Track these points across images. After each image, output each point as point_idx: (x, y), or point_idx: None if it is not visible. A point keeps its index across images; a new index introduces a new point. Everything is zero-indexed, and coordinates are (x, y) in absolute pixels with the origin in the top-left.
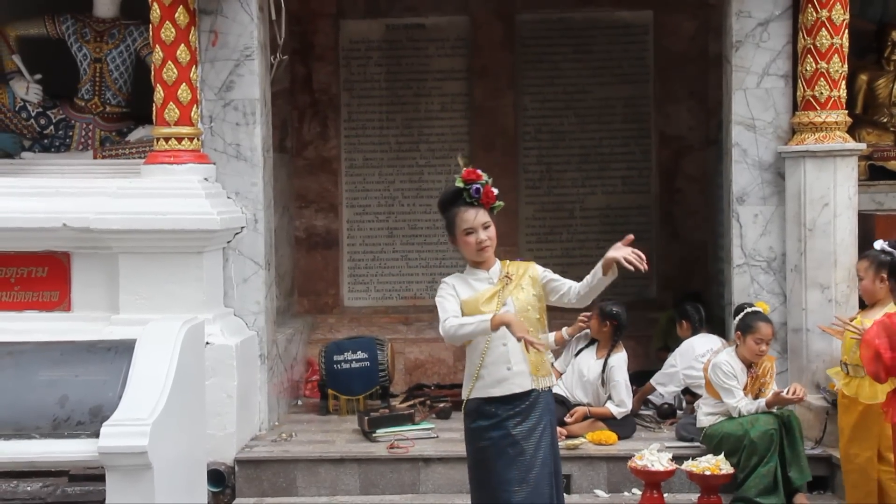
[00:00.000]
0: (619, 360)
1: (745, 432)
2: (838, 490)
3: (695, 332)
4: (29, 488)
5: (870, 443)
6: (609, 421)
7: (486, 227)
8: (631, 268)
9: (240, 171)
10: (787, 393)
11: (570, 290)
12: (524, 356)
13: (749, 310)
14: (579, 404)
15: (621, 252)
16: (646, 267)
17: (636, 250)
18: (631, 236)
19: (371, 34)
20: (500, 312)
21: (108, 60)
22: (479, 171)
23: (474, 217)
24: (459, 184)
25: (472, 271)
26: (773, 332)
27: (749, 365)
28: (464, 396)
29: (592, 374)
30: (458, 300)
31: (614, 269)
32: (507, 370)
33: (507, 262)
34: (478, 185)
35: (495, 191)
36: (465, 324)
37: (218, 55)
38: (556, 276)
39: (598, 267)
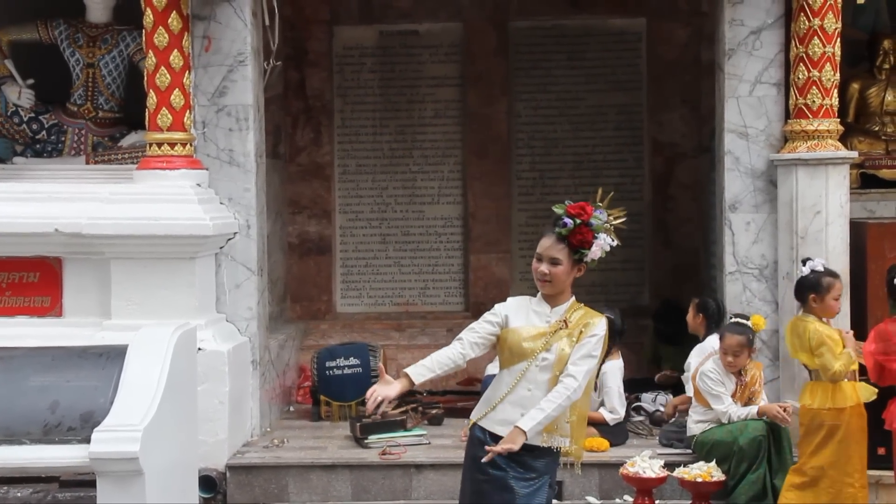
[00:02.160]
0: (613, 366)
1: (734, 439)
2: None
3: (709, 328)
4: (19, 494)
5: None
6: (601, 428)
7: (553, 263)
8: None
9: (233, 177)
10: (778, 411)
11: (564, 370)
12: None
13: (731, 320)
14: None
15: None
16: None
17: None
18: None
19: (365, 40)
20: (405, 372)
21: (101, 66)
22: (586, 209)
23: (548, 246)
24: (559, 210)
25: (539, 301)
26: (747, 342)
27: (738, 373)
28: (472, 418)
29: None
30: (494, 326)
31: None
32: (521, 415)
33: (581, 306)
34: (566, 220)
35: (601, 243)
36: (438, 372)
37: (211, 61)
38: (576, 353)
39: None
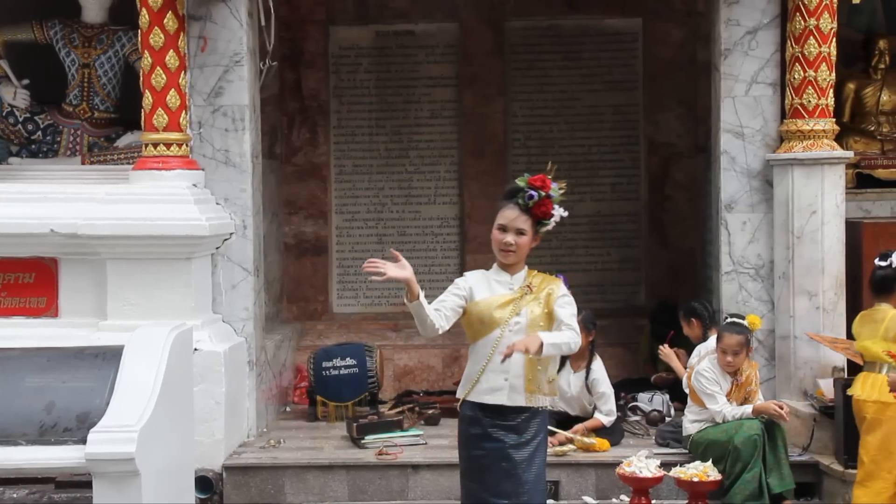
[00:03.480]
0: (600, 368)
1: (729, 439)
2: (825, 497)
3: (705, 330)
4: (15, 495)
5: None
6: (597, 428)
7: (518, 234)
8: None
9: (229, 178)
10: (775, 408)
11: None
12: (523, 371)
13: (728, 320)
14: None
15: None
16: None
17: None
18: None
19: (361, 41)
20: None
21: (97, 66)
22: (547, 181)
23: (513, 217)
24: (521, 182)
25: (497, 271)
26: (745, 342)
27: (734, 372)
28: (459, 395)
29: (575, 389)
30: (461, 298)
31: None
32: (504, 380)
33: (535, 272)
34: (532, 192)
35: (558, 210)
36: (427, 313)
37: (207, 61)
38: (560, 312)
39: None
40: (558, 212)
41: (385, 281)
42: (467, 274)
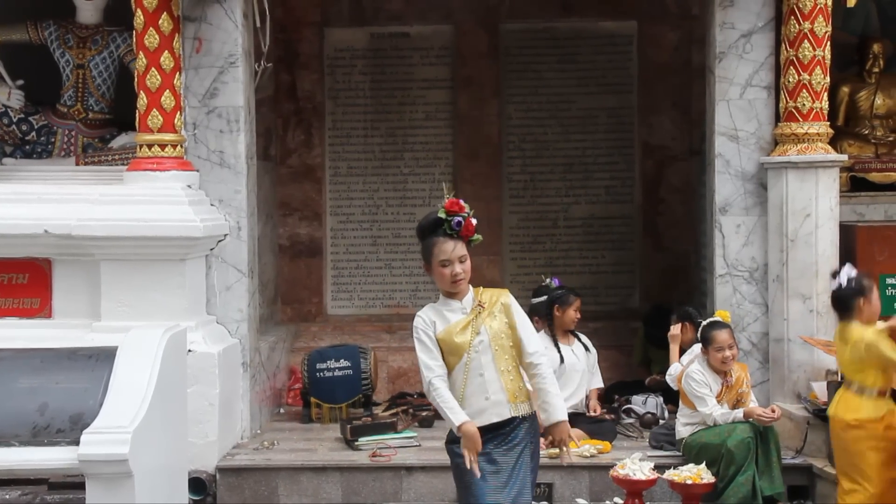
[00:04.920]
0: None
1: (722, 441)
2: (818, 500)
3: (697, 335)
4: (7, 496)
5: None
6: (589, 428)
7: (462, 261)
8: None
9: (223, 179)
10: (762, 412)
11: (525, 354)
12: (501, 385)
13: (704, 323)
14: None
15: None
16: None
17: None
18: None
19: (356, 43)
20: (466, 426)
21: (91, 67)
22: (461, 203)
23: (452, 249)
24: (441, 214)
25: (445, 301)
26: (732, 334)
27: (724, 374)
28: (448, 436)
29: (582, 362)
30: (435, 344)
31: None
32: (486, 400)
33: (481, 289)
34: (459, 218)
35: (475, 222)
36: (443, 404)
37: (202, 62)
38: (525, 332)
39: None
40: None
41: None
42: (420, 313)
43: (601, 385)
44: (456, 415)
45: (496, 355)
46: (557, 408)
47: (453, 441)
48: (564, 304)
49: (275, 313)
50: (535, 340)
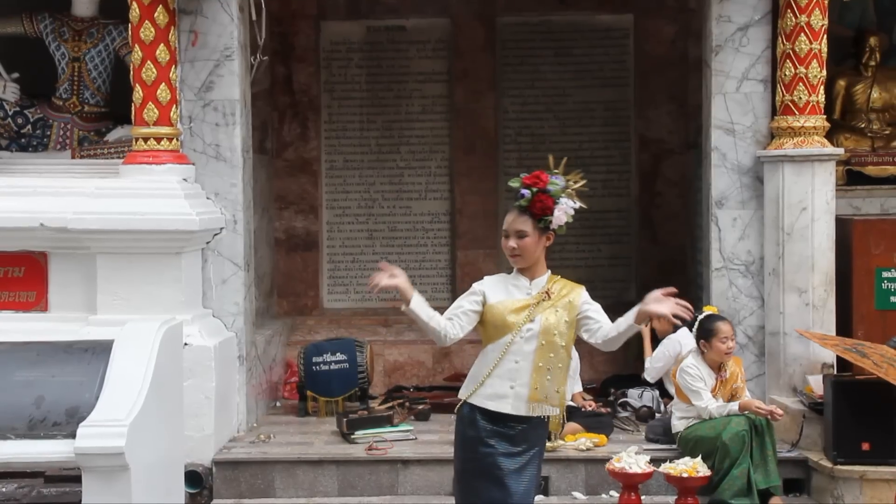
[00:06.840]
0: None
1: (717, 435)
2: (814, 493)
3: (675, 325)
4: (4, 489)
5: None
6: (585, 421)
7: (519, 236)
8: (678, 322)
9: (219, 172)
10: (759, 406)
11: (598, 330)
12: (530, 380)
13: (701, 316)
14: None
15: (667, 307)
16: (691, 315)
17: (681, 301)
18: (673, 289)
19: (352, 36)
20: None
21: (87, 60)
22: (546, 177)
23: (511, 221)
24: (514, 183)
25: (516, 275)
26: (732, 326)
27: (718, 368)
28: (461, 396)
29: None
30: (475, 304)
31: (645, 319)
32: (510, 388)
33: (558, 278)
34: (524, 191)
35: (566, 205)
36: (426, 318)
37: (198, 55)
38: (592, 313)
39: (632, 315)
40: (567, 204)
41: (383, 290)
42: (486, 278)
43: (580, 389)
44: (431, 319)
45: (540, 349)
46: (627, 314)
47: (462, 447)
48: None
49: (271, 307)
50: (605, 318)
